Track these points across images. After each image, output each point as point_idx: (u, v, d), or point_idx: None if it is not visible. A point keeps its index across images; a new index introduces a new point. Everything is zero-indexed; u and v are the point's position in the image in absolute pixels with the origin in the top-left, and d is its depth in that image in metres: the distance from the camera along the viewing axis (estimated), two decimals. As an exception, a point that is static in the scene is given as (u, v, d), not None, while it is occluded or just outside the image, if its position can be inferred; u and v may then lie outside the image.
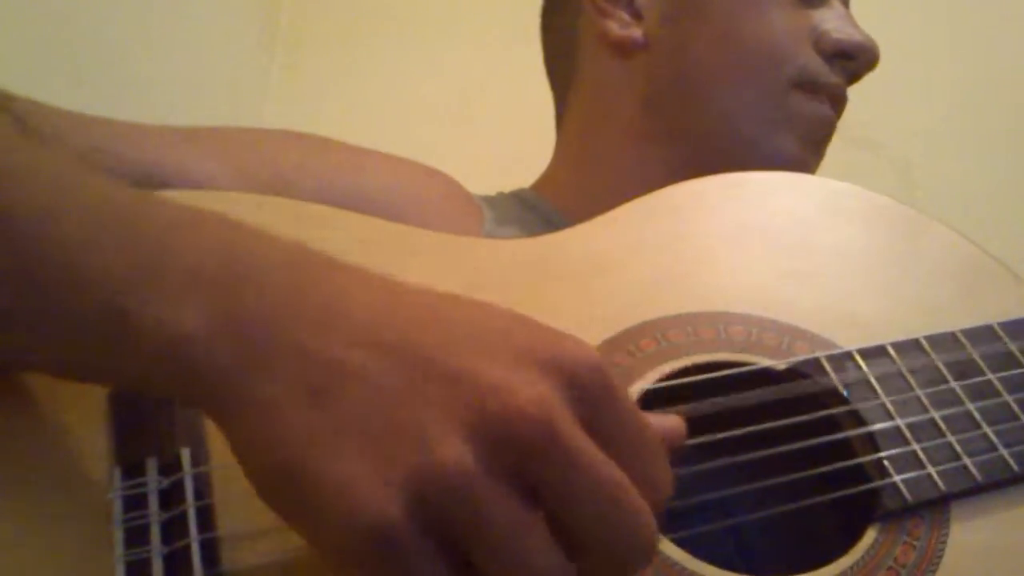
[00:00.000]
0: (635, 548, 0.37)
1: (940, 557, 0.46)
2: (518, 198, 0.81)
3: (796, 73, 0.75)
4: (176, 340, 0.37)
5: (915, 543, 0.47)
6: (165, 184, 0.57)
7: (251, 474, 0.37)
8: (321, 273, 0.40)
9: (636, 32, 0.79)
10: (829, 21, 0.78)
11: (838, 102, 0.78)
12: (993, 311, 0.56)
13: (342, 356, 0.37)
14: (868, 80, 0.81)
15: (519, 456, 0.35)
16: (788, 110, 0.75)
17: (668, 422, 0.42)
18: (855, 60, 0.78)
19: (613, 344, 0.51)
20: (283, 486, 0.36)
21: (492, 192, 0.81)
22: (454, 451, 0.34)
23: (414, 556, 0.34)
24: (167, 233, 0.40)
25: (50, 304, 0.39)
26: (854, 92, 0.80)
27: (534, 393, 0.36)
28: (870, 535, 0.47)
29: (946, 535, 0.47)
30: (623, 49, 0.79)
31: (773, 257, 0.58)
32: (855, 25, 0.79)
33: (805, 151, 0.76)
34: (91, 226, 0.39)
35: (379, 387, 0.36)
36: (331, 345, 0.37)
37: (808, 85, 0.76)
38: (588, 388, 0.37)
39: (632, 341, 0.51)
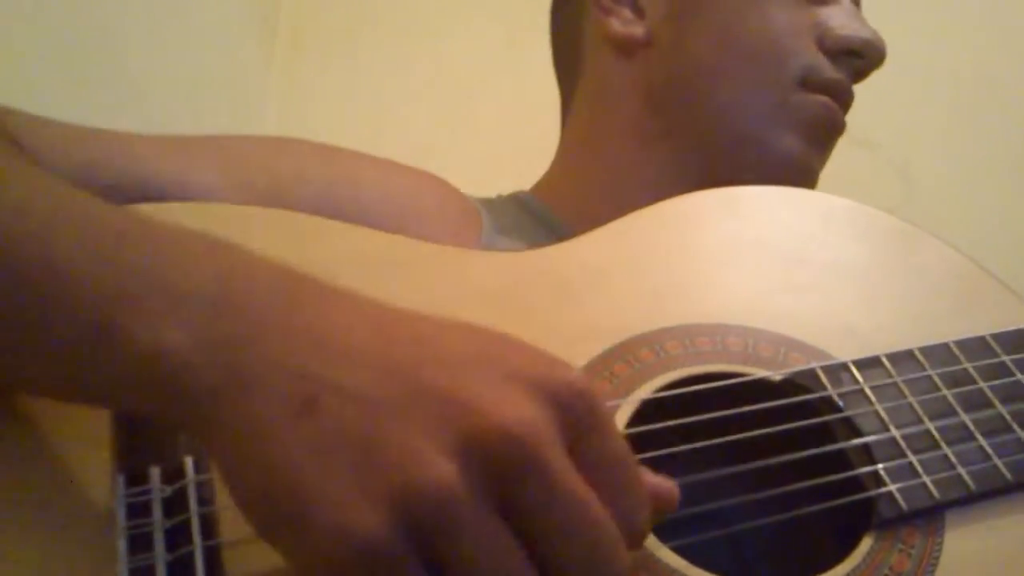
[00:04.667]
0: None
1: (935, 564, 0.47)
2: (517, 201, 0.80)
3: (799, 71, 0.74)
4: (159, 356, 0.37)
5: (911, 551, 0.47)
6: (163, 195, 0.57)
7: (236, 492, 0.37)
8: (308, 296, 0.40)
9: (638, 29, 0.78)
10: (835, 18, 0.76)
11: (844, 99, 0.76)
12: (986, 323, 0.56)
13: (327, 373, 0.36)
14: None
15: (502, 476, 0.35)
16: (791, 108, 0.74)
17: (661, 484, 0.41)
18: (862, 58, 0.76)
19: (611, 355, 0.51)
20: (269, 504, 0.36)
21: (491, 193, 0.81)
22: (439, 468, 0.34)
23: (400, 573, 0.34)
24: (156, 253, 0.40)
25: (42, 321, 0.39)
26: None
27: (519, 413, 0.35)
28: (866, 543, 0.47)
29: (941, 543, 0.47)
30: (625, 47, 0.79)
31: (769, 270, 0.58)
32: (862, 21, 0.78)
33: (809, 149, 0.74)
34: (83, 246, 0.40)
35: (364, 401, 0.36)
36: (316, 363, 0.37)
37: (812, 83, 0.74)
38: (576, 413, 0.37)
39: (631, 352, 0.52)
